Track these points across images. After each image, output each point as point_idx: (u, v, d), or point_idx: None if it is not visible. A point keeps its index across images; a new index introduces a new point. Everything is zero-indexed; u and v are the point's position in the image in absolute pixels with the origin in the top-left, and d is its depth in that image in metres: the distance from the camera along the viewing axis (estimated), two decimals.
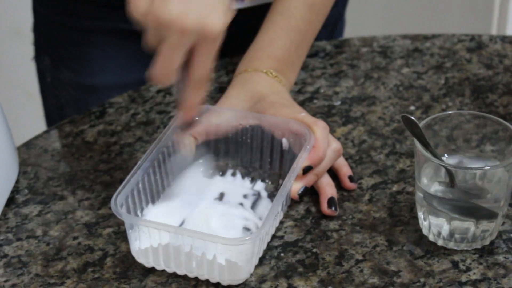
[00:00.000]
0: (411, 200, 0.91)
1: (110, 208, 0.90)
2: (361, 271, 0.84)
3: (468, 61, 1.11)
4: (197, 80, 0.81)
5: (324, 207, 0.89)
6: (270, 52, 0.99)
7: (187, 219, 0.85)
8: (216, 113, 0.91)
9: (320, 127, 0.89)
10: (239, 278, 0.82)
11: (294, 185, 0.88)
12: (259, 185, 0.92)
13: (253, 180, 0.92)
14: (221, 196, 0.90)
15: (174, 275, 0.83)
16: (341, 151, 0.91)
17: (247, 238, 0.79)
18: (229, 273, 0.81)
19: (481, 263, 0.84)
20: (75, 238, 0.88)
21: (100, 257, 0.86)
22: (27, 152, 0.99)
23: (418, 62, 1.11)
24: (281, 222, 0.89)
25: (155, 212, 0.86)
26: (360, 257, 0.85)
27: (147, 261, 0.83)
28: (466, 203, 0.83)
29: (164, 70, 0.79)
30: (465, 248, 0.85)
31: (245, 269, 0.81)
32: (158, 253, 0.82)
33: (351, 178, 0.92)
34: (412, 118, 0.83)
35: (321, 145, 0.88)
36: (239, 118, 0.92)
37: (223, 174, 0.93)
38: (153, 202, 0.87)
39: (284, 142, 0.90)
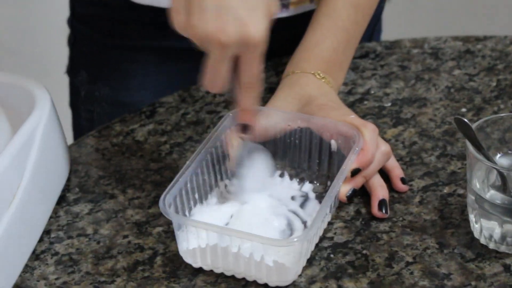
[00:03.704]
0: (462, 203, 0.90)
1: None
2: (411, 273, 0.83)
3: None
4: (247, 84, 0.81)
5: (375, 209, 0.88)
6: (317, 53, 0.99)
7: (235, 215, 0.86)
8: (265, 114, 0.91)
9: (369, 129, 0.88)
10: (286, 280, 0.82)
11: (342, 187, 0.88)
12: (307, 187, 0.91)
13: (301, 182, 0.92)
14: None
15: (223, 275, 0.83)
16: (390, 153, 0.91)
17: (295, 239, 0.79)
18: (277, 275, 0.81)
19: None
20: (125, 236, 0.89)
21: (150, 256, 0.86)
22: (78, 151, 1.00)
23: (470, 64, 1.10)
24: (331, 223, 0.88)
25: (203, 212, 0.87)
26: (410, 260, 0.84)
27: (195, 261, 0.83)
28: None
29: (213, 79, 0.80)
30: None
31: (292, 270, 0.81)
32: (206, 253, 0.82)
33: (403, 180, 0.91)
34: (465, 120, 0.82)
35: (369, 148, 0.88)
36: (288, 120, 0.91)
37: (271, 175, 0.93)
38: (201, 202, 0.88)
39: (333, 143, 0.90)
